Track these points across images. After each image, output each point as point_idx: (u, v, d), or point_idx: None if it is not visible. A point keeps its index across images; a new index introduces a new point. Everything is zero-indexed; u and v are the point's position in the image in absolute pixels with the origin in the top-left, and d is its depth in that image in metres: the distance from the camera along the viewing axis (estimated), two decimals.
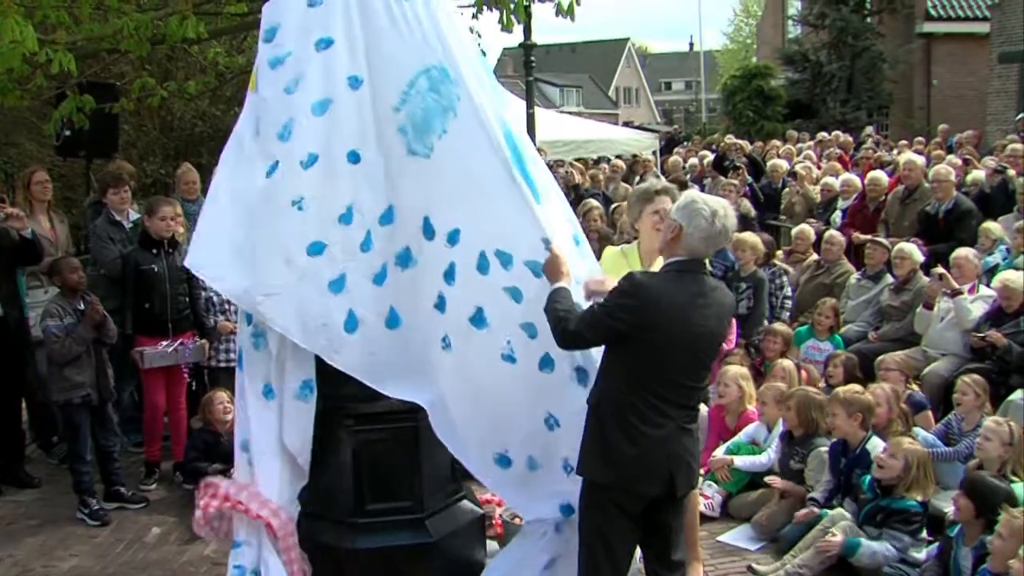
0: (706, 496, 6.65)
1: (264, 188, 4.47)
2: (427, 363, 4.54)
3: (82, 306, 6.75)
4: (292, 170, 4.44)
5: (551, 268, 4.33)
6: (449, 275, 4.48)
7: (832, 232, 10.05)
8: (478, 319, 4.48)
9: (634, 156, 18.61)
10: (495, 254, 4.46)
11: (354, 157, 4.52)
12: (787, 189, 13.50)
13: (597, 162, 18.36)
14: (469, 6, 8.31)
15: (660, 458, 4.12)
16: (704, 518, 6.51)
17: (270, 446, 4.74)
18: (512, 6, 7.77)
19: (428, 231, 4.49)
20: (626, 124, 39.59)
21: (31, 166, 9.49)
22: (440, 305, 4.50)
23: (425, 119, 4.46)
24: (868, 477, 5.89)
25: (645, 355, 4.06)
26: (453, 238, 4.47)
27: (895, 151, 17.00)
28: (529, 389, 4.52)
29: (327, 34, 4.50)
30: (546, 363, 4.49)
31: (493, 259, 4.46)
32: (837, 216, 11.59)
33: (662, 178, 15.64)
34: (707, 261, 8.53)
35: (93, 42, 8.04)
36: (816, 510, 6.05)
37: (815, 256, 10.08)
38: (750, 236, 9.33)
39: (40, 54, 6.55)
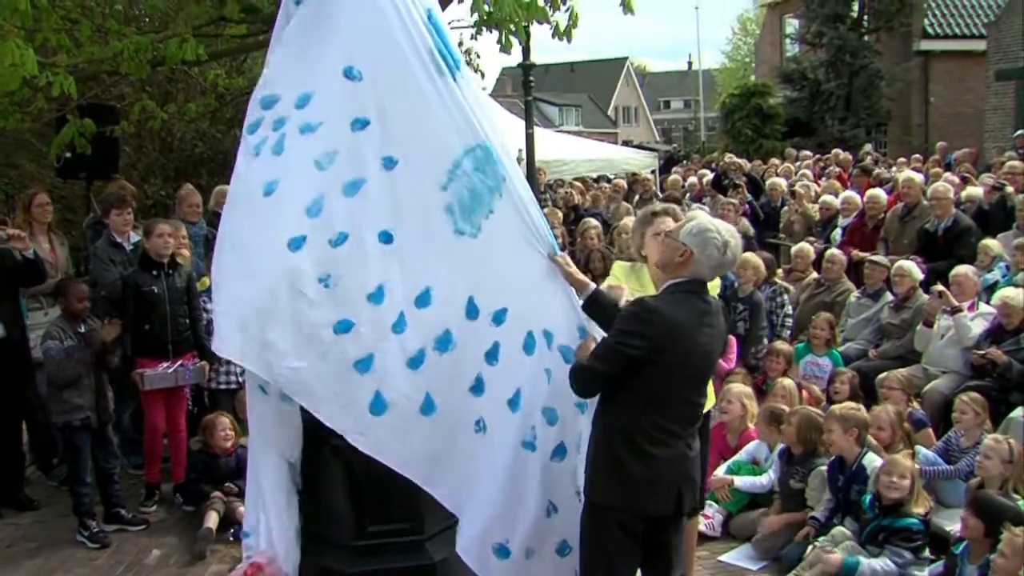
0: (707, 516, 6.63)
1: (290, 265, 4.30)
2: (456, 448, 4.47)
3: (83, 329, 6.77)
4: (321, 247, 4.31)
5: (584, 353, 4.39)
6: (492, 355, 4.46)
7: (833, 251, 10.06)
8: (514, 401, 4.48)
9: (633, 175, 18.65)
10: (542, 333, 4.51)
11: (386, 237, 4.39)
12: (786, 207, 13.51)
13: (596, 181, 18.39)
14: (468, 27, 8.36)
15: (670, 477, 4.16)
16: (705, 538, 6.52)
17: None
18: (511, 27, 7.81)
19: (472, 311, 4.44)
20: (625, 143, 39.66)
21: (31, 187, 9.52)
22: (477, 387, 4.46)
23: (473, 199, 4.42)
24: (868, 496, 5.88)
25: (658, 378, 4.10)
26: (499, 317, 4.46)
27: (893, 169, 17.01)
28: (542, 480, 4.52)
29: (363, 115, 4.40)
30: (559, 452, 4.52)
31: (540, 338, 4.50)
32: (837, 234, 11.60)
33: (661, 198, 15.73)
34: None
35: (93, 64, 8.07)
36: (816, 529, 6.05)
37: (815, 274, 10.10)
38: (752, 257, 9.29)
39: (41, 77, 6.59)
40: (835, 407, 6.52)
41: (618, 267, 5.61)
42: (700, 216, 4.49)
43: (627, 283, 5.32)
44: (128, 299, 7.16)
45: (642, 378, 4.10)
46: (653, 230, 5.24)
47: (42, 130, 11.04)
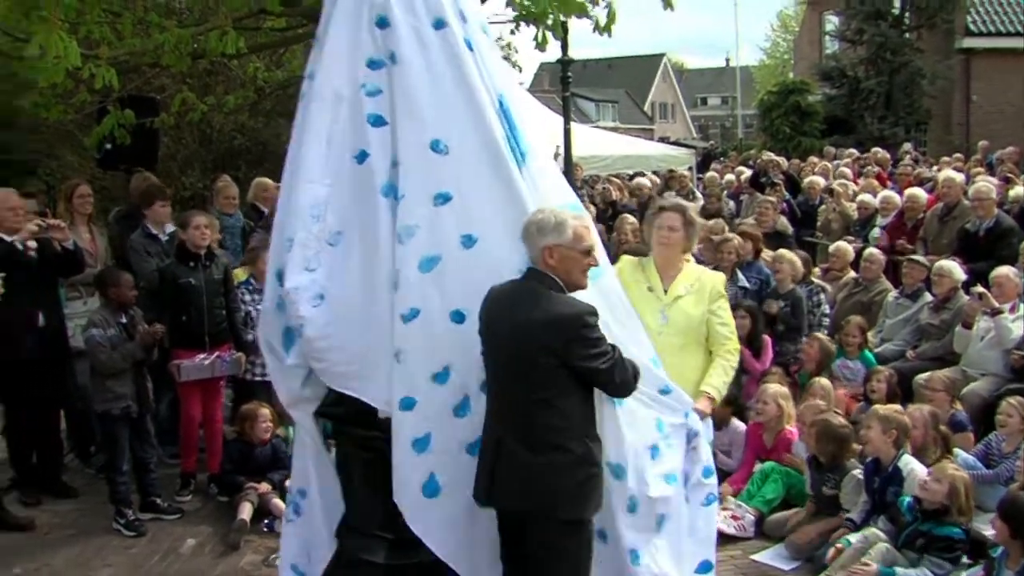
0: (736, 517, 6.60)
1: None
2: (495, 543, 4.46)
3: (124, 319, 6.83)
4: (395, 321, 4.30)
5: None
6: None
7: (872, 250, 9.97)
8: None
9: (670, 171, 18.56)
10: None
11: (458, 317, 4.35)
12: (824, 206, 13.41)
13: (632, 177, 18.32)
14: (506, 22, 8.34)
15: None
16: (737, 538, 6.50)
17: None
18: (549, 22, 7.79)
19: None
20: (662, 139, 39.53)
21: (72, 178, 9.60)
22: None
23: None
24: (907, 499, 5.81)
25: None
26: None
27: (935, 168, 16.84)
28: None
29: (446, 189, 4.35)
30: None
31: None
32: (875, 233, 11.49)
33: (699, 194, 15.68)
34: (739, 274, 8.67)
35: (135, 57, 8.13)
36: (851, 531, 5.99)
37: (852, 274, 10.01)
38: (787, 253, 9.28)
39: (84, 69, 6.64)
40: (879, 407, 6.46)
41: (624, 260, 5.73)
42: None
43: (633, 275, 5.49)
44: (165, 291, 7.21)
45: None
46: (657, 223, 5.51)
47: (83, 121, 11.15)
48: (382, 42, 4.45)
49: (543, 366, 4.09)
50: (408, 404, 4.31)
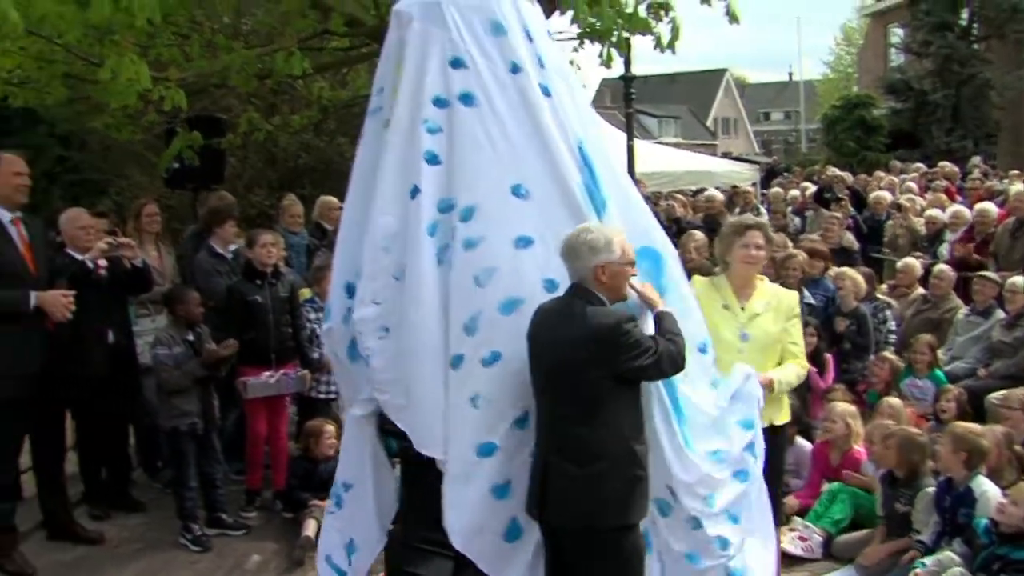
0: (803, 538, 6.50)
1: (449, 379, 4.33)
2: None
3: (191, 337, 6.93)
4: (474, 365, 4.32)
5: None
6: None
7: (941, 266, 9.79)
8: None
9: (734, 188, 18.40)
10: None
11: None
12: (890, 221, 13.22)
13: (695, 194, 18.19)
14: (571, 39, 8.35)
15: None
16: (804, 560, 6.40)
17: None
18: (614, 39, 7.78)
19: None
20: (724, 155, 39.26)
21: (141, 197, 9.78)
22: None
23: None
24: (984, 521, 5.66)
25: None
26: None
27: (1004, 181, 16.52)
28: None
29: (527, 233, 4.38)
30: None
31: None
32: (944, 249, 11.29)
33: (763, 210, 15.51)
34: (805, 291, 8.56)
35: (203, 78, 8.27)
36: (922, 553, 5.87)
37: (921, 290, 9.84)
38: (849, 270, 9.17)
39: (154, 91, 6.77)
40: (957, 424, 6.32)
41: (696, 281, 5.64)
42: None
43: (708, 296, 5.40)
44: (233, 309, 7.29)
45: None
46: (743, 241, 5.45)
47: (151, 141, 11.37)
48: (454, 82, 4.47)
49: (588, 380, 4.17)
50: (488, 450, 4.34)
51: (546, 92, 4.52)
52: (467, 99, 4.45)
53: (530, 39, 4.58)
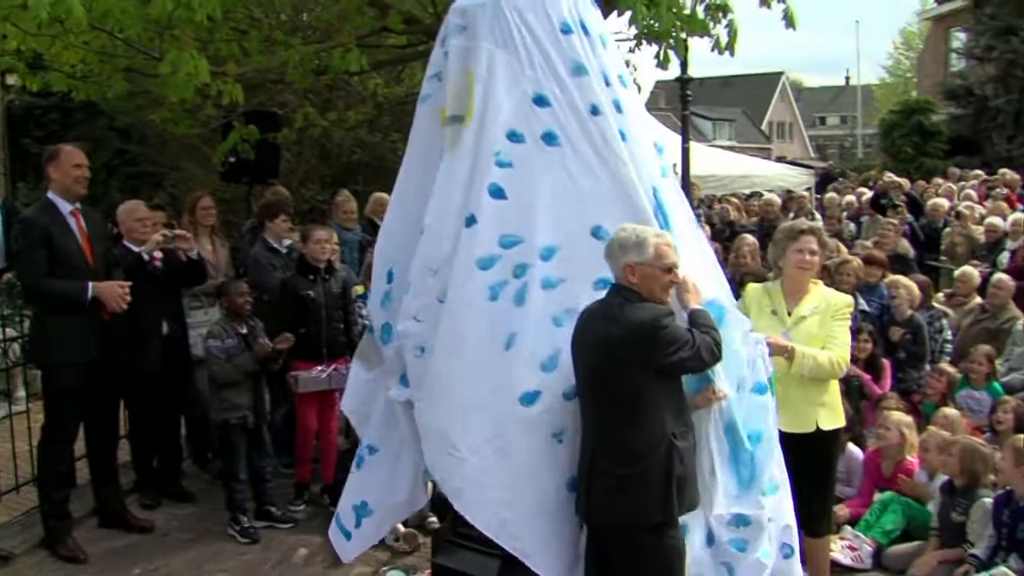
0: (853, 548, 6.42)
1: (527, 418, 4.35)
2: None
3: (244, 330, 6.99)
4: (555, 400, 4.36)
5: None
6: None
7: (1000, 275, 9.61)
8: None
9: (788, 192, 18.21)
10: None
11: None
12: (948, 229, 13.01)
13: (749, 197, 18.04)
14: (627, 39, 8.30)
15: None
16: (854, 570, 6.32)
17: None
18: (671, 41, 7.73)
19: None
20: (779, 159, 38.89)
21: (196, 190, 9.88)
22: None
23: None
24: None
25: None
26: None
27: None
28: None
29: (607, 275, 4.39)
30: None
31: None
32: (1004, 258, 11.09)
33: (818, 215, 15.34)
34: (859, 297, 8.44)
35: (260, 73, 8.35)
36: (975, 567, 5.77)
37: (979, 300, 9.66)
38: (902, 278, 9.03)
39: (212, 86, 6.83)
40: (1018, 436, 6.20)
41: (751, 289, 5.63)
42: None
43: (759, 303, 5.42)
44: (286, 303, 7.33)
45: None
46: (797, 246, 5.38)
47: (207, 135, 11.49)
48: (537, 120, 4.48)
49: (628, 378, 4.17)
50: (575, 485, 4.42)
51: (624, 137, 4.54)
52: (550, 138, 4.47)
53: (607, 83, 4.59)
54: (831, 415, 5.37)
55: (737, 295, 5.28)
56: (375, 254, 5.20)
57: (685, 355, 4.13)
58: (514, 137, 4.47)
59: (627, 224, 4.32)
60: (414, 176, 4.85)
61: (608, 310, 4.23)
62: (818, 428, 5.26)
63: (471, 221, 4.41)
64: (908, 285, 8.82)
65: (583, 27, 4.58)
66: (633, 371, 4.16)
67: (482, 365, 4.32)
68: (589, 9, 4.69)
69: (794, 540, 4.65)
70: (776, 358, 4.92)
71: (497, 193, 4.41)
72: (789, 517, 4.63)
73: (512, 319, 4.33)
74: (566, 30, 4.52)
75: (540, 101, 4.48)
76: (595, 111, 4.49)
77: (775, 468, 4.55)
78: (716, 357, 4.24)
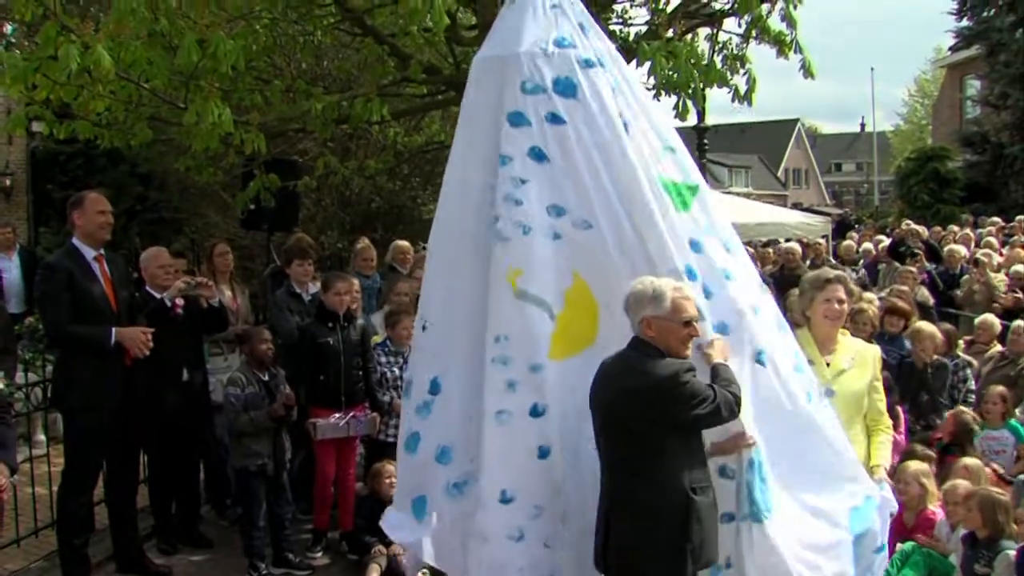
0: None
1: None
2: None
3: (267, 377, 7.02)
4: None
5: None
6: None
7: (1019, 323, 9.54)
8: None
9: (803, 241, 18.17)
10: None
11: None
12: (966, 276, 12.98)
13: (766, 245, 18.00)
14: (647, 89, 8.34)
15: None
16: None
17: None
18: (690, 91, 7.79)
19: None
20: (795, 206, 38.97)
21: (216, 236, 9.97)
22: None
23: None
24: None
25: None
26: None
27: None
28: None
29: None
30: None
31: None
32: None
33: (834, 262, 15.29)
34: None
35: (282, 122, 8.43)
36: None
37: (999, 347, 9.61)
38: (927, 326, 8.96)
39: (236, 135, 6.92)
40: None
41: None
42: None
43: None
44: (304, 350, 7.36)
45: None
46: (824, 295, 5.37)
47: (228, 182, 11.58)
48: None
49: (643, 432, 4.18)
50: None
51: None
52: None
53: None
54: None
55: None
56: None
57: (703, 412, 4.12)
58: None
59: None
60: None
61: (625, 363, 4.24)
62: None
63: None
64: (931, 334, 8.74)
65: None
66: (649, 424, 4.16)
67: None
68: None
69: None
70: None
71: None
72: None
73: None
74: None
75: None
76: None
77: None
78: (734, 413, 4.23)
